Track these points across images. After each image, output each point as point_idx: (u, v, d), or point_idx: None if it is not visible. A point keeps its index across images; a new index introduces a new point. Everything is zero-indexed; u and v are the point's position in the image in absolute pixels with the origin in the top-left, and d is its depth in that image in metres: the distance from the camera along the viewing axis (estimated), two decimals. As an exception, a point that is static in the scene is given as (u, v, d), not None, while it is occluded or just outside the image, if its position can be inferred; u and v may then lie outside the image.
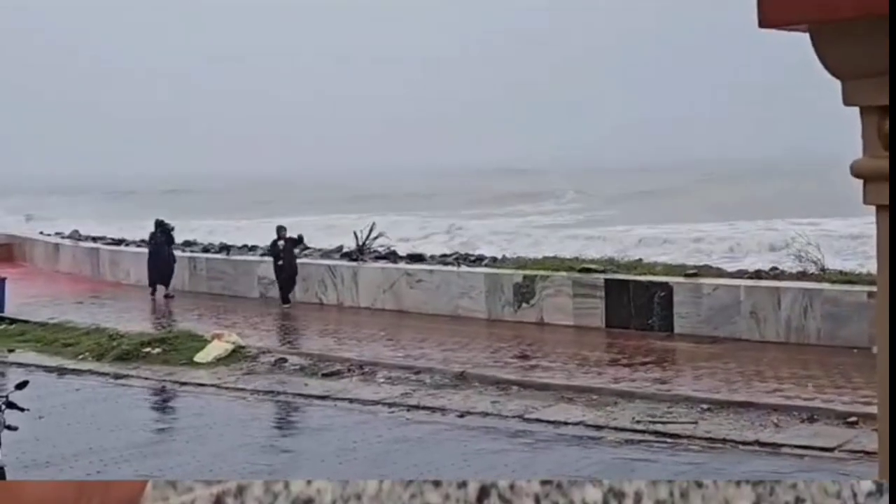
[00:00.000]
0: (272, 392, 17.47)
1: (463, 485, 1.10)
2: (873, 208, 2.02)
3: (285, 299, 25.63)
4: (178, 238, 29.45)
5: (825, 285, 19.06)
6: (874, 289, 2.06)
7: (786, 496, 1.24)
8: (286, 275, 25.68)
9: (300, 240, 26.86)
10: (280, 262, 25.73)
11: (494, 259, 24.65)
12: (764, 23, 1.94)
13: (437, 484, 1.09)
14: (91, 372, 19.51)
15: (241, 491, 1.21)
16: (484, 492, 1.07)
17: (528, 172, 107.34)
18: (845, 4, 1.83)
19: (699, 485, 1.19)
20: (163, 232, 28.27)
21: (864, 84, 1.92)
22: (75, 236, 36.38)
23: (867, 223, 2.06)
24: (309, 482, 1.17)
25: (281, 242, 25.94)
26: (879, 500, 1.26)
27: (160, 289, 27.75)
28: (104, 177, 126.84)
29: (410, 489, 1.08)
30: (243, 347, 20.09)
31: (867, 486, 1.27)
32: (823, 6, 1.86)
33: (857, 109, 2.01)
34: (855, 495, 1.27)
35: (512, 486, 1.08)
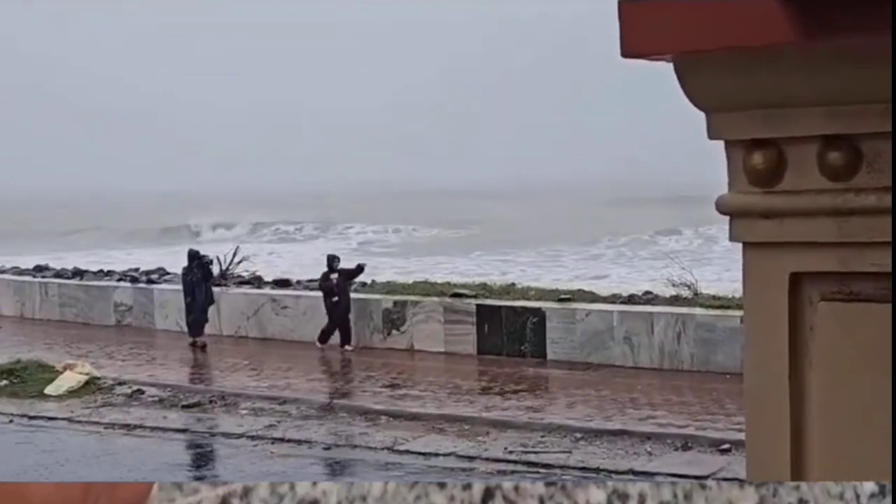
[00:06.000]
0: (128, 426, 17.08)
1: (468, 486, 1.11)
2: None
3: (345, 340, 22.10)
4: (29, 264, 28.26)
5: (698, 310, 19.41)
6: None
7: (789, 497, 1.26)
8: (340, 314, 22.15)
9: (359, 270, 23.05)
10: (335, 299, 22.10)
11: (364, 284, 24.48)
12: (626, 52, 1.89)
13: (441, 486, 1.10)
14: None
15: (246, 493, 1.23)
16: (488, 493, 1.08)
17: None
18: (709, 36, 1.79)
19: (702, 486, 1.21)
20: (200, 266, 23.61)
21: (729, 117, 1.88)
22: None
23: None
24: (314, 484, 1.18)
25: (334, 276, 22.47)
26: (882, 501, 1.30)
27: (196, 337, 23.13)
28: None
29: (415, 491, 1.09)
30: (98, 378, 19.61)
31: (870, 487, 1.30)
32: (686, 37, 1.82)
33: (721, 143, 1.94)
34: (858, 496, 1.31)
35: (516, 488, 1.09)
